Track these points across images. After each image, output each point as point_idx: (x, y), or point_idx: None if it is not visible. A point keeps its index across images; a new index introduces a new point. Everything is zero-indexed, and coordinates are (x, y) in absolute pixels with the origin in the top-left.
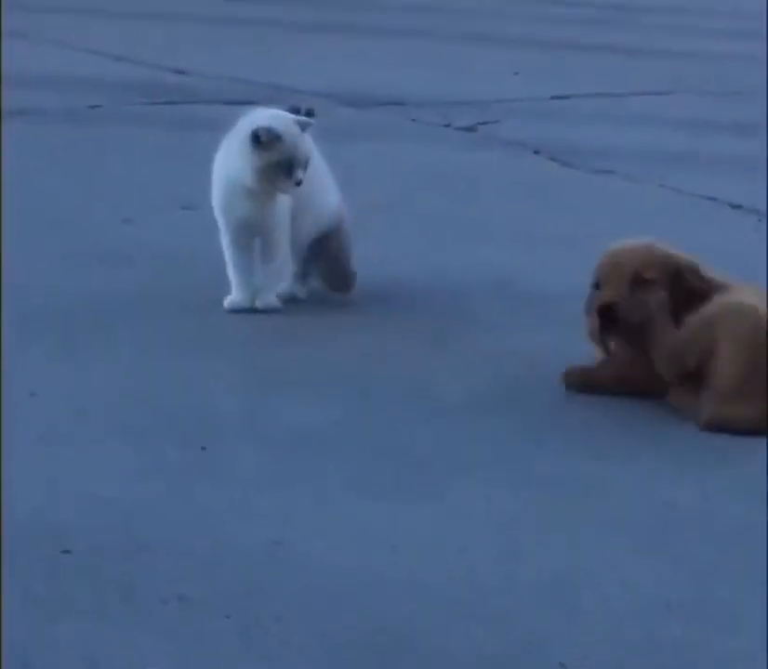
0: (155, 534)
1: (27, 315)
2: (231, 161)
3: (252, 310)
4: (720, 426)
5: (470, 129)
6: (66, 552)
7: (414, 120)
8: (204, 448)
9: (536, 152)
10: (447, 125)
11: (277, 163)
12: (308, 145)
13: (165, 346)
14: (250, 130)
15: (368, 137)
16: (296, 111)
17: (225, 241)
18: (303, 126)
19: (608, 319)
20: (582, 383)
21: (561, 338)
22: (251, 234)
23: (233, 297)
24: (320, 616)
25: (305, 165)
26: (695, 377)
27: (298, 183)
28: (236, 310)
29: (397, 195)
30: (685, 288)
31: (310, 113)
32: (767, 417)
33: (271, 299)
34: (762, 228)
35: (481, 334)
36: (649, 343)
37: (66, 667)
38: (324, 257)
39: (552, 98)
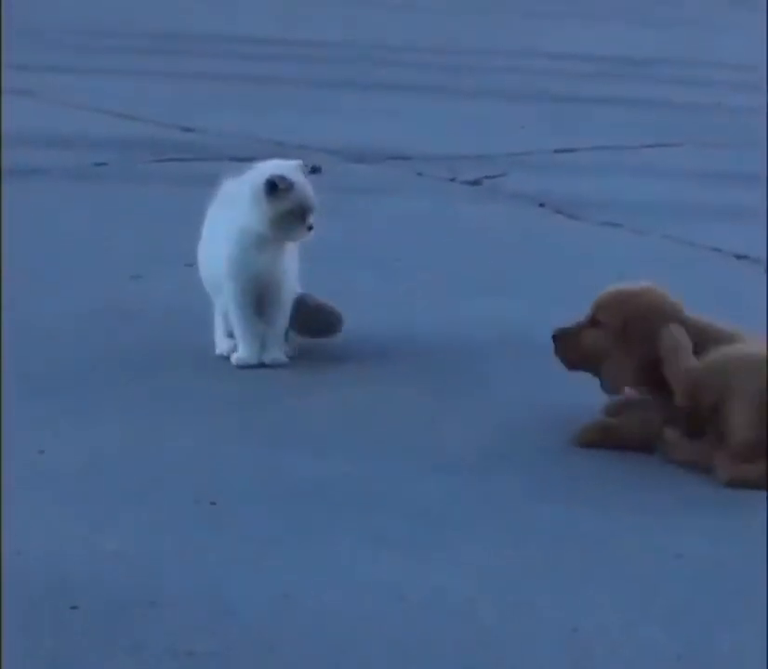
0: (164, 589)
1: (35, 372)
2: (241, 213)
3: (260, 366)
4: (741, 485)
5: (475, 183)
6: (74, 608)
7: (420, 174)
8: (213, 503)
9: (542, 205)
10: (453, 179)
11: (291, 210)
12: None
13: (174, 402)
14: (263, 179)
15: (375, 191)
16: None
17: (232, 296)
18: (313, 171)
19: (557, 347)
20: (600, 439)
21: (568, 392)
22: (260, 288)
23: (241, 354)
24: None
25: (314, 212)
26: (703, 423)
27: (310, 229)
28: (245, 367)
29: (404, 249)
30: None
31: (315, 170)
32: None
33: (278, 354)
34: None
35: (488, 387)
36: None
37: None
38: (306, 304)
39: (557, 151)
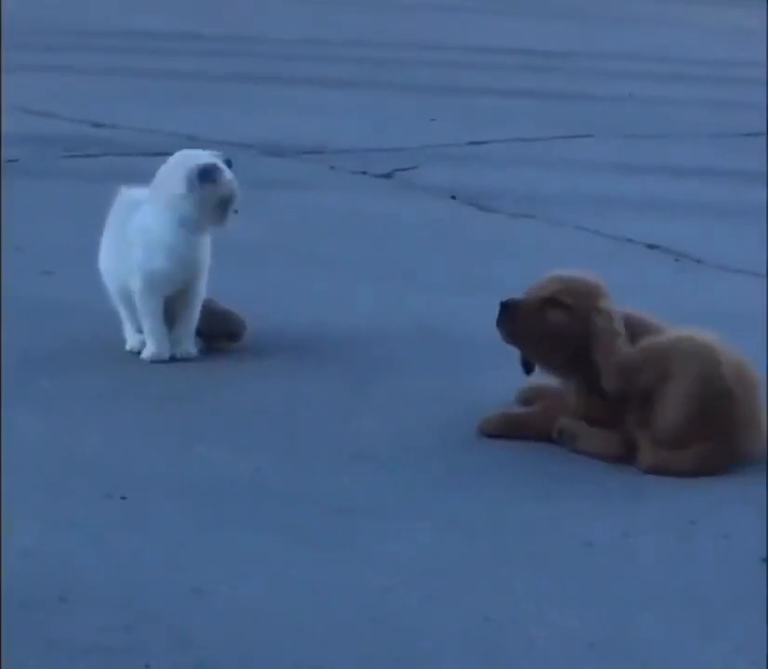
0: (75, 585)
1: None
2: (161, 206)
3: (171, 360)
4: (662, 472)
5: (387, 176)
6: None
7: (333, 167)
8: (124, 498)
9: (454, 197)
10: (365, 173)
11: (221, 197)
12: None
13: (85, 397)
14: (194, 167)
15: (289, 185)
16: None
17: (146, 292)
18: (227, 163)
19: (505, 316)
20: (502, 429)
21: (480, 382)
22: (179, 281)
23: (154, 349)
24: (243, 662)
25: (237, 200)
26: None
27: (235, 211)
28: (156, 361)
29: (318, 243)
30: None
31: (228, 164)
32: (708, 462)
33: (190, 347)
34: (681, 268)
35: (401, 378)
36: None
37: None
38: (211, 309)
39: (469, 143)
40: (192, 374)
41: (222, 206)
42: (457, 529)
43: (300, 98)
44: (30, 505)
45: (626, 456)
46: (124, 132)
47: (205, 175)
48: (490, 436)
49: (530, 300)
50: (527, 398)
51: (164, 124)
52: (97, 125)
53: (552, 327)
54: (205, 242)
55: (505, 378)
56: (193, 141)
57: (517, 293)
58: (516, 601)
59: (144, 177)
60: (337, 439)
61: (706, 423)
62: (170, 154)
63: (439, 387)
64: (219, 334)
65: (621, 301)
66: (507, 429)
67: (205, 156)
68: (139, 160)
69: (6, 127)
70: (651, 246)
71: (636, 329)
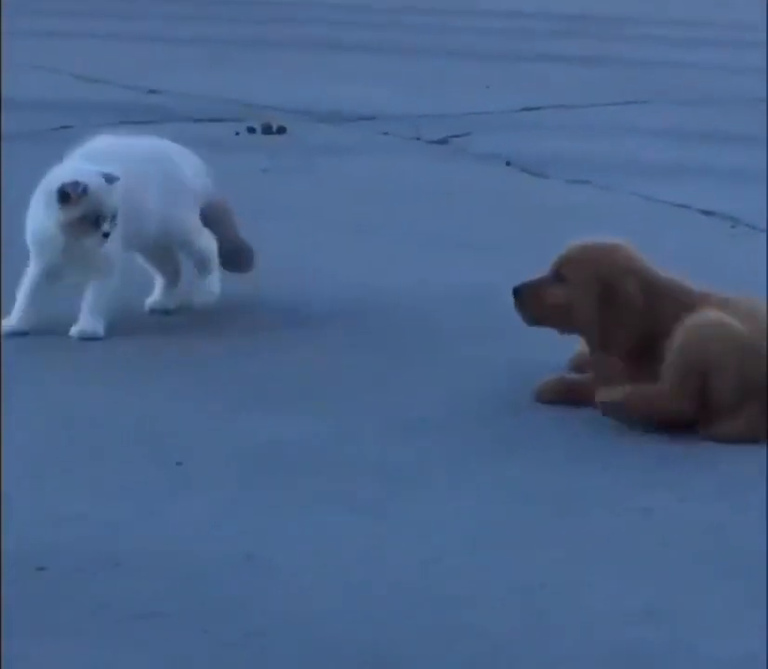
0: (130, 550)
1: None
2: (38, 214)
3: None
4: (716, 438)
5: (441, 142)
6: (41, 569)
7: (385, 134)
8: (179, 463)
9: (508, 164)
10: (418, 139)
11: (82, 217)
12: (115, 198)
13: (135, 364)
14: (56, 185)
15: (341, 151)
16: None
17: (35, 269)
18: (110, 180)
19: (518, 302)
20: (558, 395)
21: (531, 348)
22: (69, 274)
23: (12, 320)
24: (297, 629)
25: (112, 218)
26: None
27: (106, 235)
28: (12, 334)
29: (371, 209)
30: (615, 295)
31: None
32: (761, 427)
33: (89, 326)
34: (737, 233)
35: (452, 345)
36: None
37: None
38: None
39: (523, 109)
40: (241, 342)
41: (85, 226)
42: (510, 496)
43: (354, 65)
44: (82, 471)
45: (679, 422)
46: (178, 99)
47: (63, 197)
48: (546, 402)
49: (534, 281)
50: (580, 364)
51: (217, 90)
52: (151, 92)
53: (558, 305)
54: (81, 248)
55: (556, 344)
56: (247, 107)
57: None
58: (570, 569)
59: (198, 144)
60: (387, 406)
61: (758, 389)
62: (224, 121)
63: (490, 354)
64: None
65: (675, 268)
66: (563, 395)
67: (74, 173)
68: (194, 126)
69: (61, 94)
70: (706, 212)
71: (678, 295)
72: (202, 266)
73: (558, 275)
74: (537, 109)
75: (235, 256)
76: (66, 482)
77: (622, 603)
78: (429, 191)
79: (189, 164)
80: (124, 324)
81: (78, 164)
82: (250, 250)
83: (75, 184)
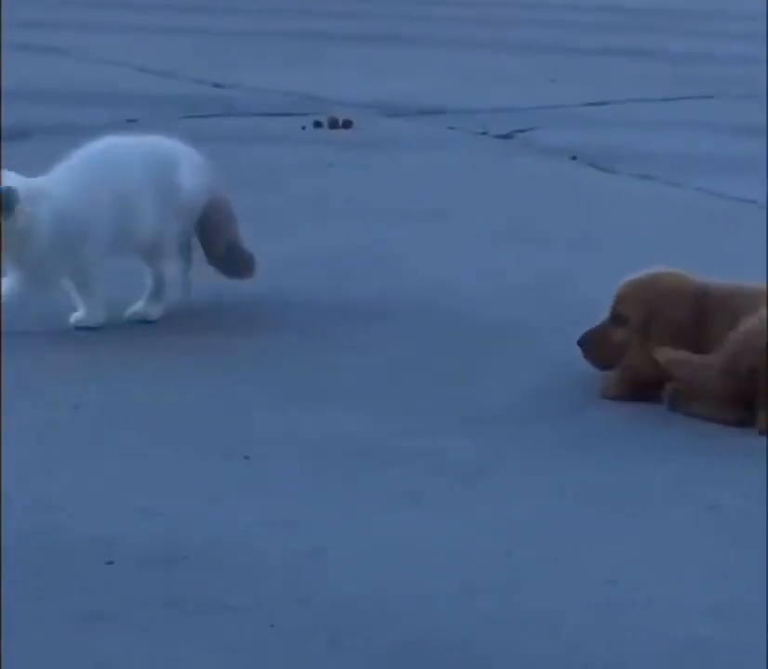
0: (198, 544)
1: (64, 330)
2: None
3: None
4: None
5: (507, 136)
6: (110, 563)
7: (452, 128)
8: (247, 457)
9: (574, 158)
10: (485, 133)
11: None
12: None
13: (206, 359)
14: None
15: (407, 146)
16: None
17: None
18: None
19: (585, 353)
20: (625, 392)
21: None
22: None
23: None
24: (364, 623)
25: None
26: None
27: None
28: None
29: (437, 203)
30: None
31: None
32: None
33: (81, 315)
34: None
35: (519, 340)
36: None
37: None
38: (209, 245)
39: (589, 104)
40: (308, 337)
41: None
42: (577, 491)
43: (420, 59)
44: (151, 466)
45: (743, 420)
46: (245, 93)
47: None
48: (612, 398)
49: (595, 328)
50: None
51: (284, 84)
52: (217, 86)
53: (622, 345)
54: None
55: None
56: (313, 101)
57: (637, 252)
58: (638, 564)
59: (264, 138)
60: (453, 401)
61: None
62: (291, 115)
63: (556, 348)
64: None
65: (740, 265)
66: (629, 392)
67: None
68: (260, 120)
69: (127, 87)
70: None
71: (740, 301)
72: (155, 284)
73: (615, 315)
74: (603, 103)
75: (232, 262)
76: (134, 476)
77: (691, 600)
78: (494, 186)
79: (189, 166)
80: (187, 321)
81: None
82: (250, 256)
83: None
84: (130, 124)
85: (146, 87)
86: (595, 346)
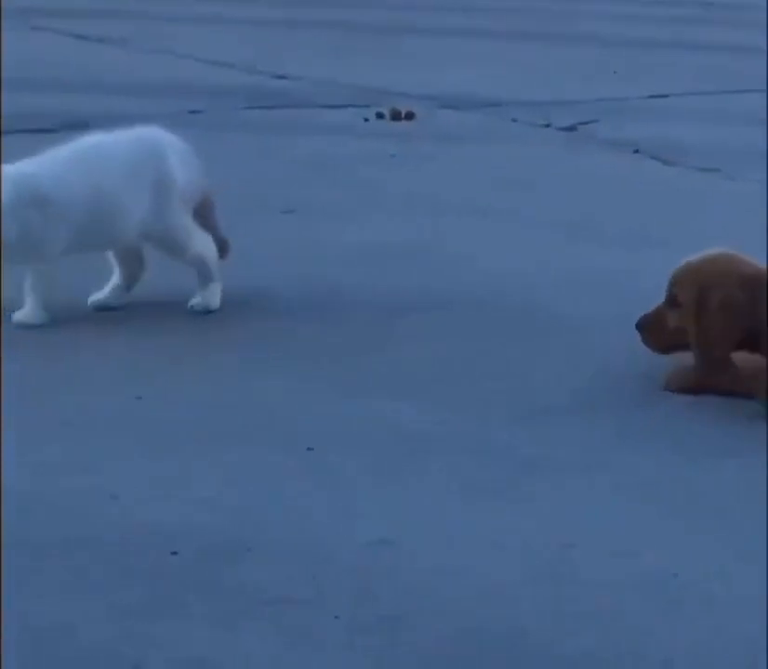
0: (262, 535)
1: (145, 326)
2: None
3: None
4: None
5: (569, 129)
6: (174, 553)
7: (514, 120)
8: (309, 449)
9: (636, 151)
10: (547, 126)
11: None
12: None
13: (268, 349)
14: None
15: (469, 138)
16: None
17: None
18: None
19: (643, 338)
20: (688, 384)
21: None
22: None
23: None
24: (430, 615)
25: None
26: None
27: None
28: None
29: (498, 195)
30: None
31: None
32: None
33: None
34: None
35: (577, 333)
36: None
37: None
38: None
39: (651, 96)
40: (368, 328)
41: None
42: (639, 484)
43: (483, 51)
44: (214, 456)
45: None
46: (303, 84)
47: None
48: (674, 391)
49: (652, 312)
50: None
51: (346, 76)
52: (277, 77)
53: (679, 329)
54: None
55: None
56: (376, 93)
57: (699, 247)
58: (698, 558)
59: (325, 129)
60: (517, 393)
61: None
62: (353, 107)
63: (617, 341)
64: None
65: None
66: (691, 384)
67: None
68: (322, 112)
69: (189, 79)
70: None
71: None
72: (200, 274)
73: (671, 299)
74: (666, 96)
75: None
76: (198, 467)
77: (753, 594)
78: (556, 178)
79: (179, 159)
80: (250, 311)
81: None
82: (225, 241)
83: None
84: (194, 116)
85: (206, 78)
86: (652, 329)
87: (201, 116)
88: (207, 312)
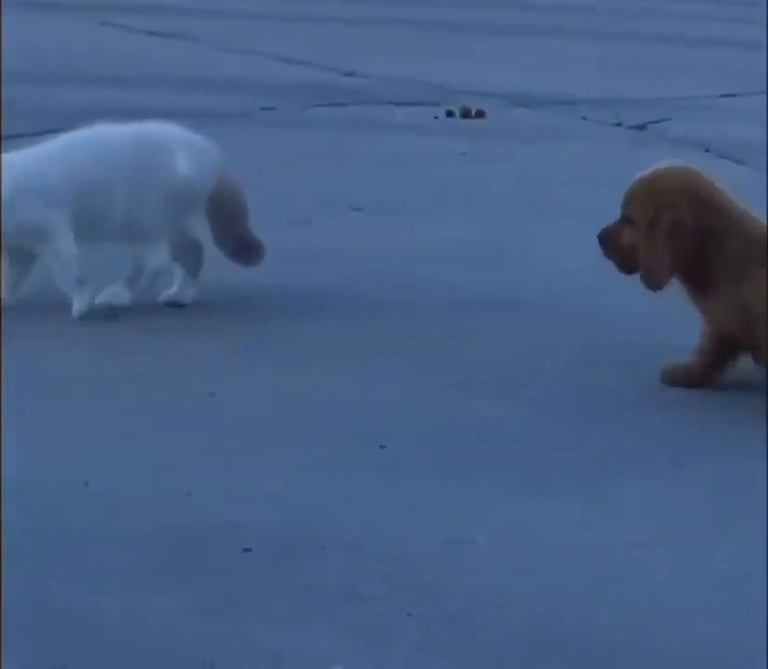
0: (334, 532)
1: (214, 320)
2: None
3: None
4: None
5: (640, 128)
6: (247, 550)
7: (584, 119)
8: (382, 446)
9: (707, 151)
10: (618, 124)
11: None
12: None
13: (340, 346)
14: None
15: (539, 136)
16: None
17: None
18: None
19: (603, 249)
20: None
21: None
22: None
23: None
24: (501, 612)
25: None
26: None
27: None
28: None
29: (567, 194)
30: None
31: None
32: None
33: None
34: None
35: (647, 330)
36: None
37: (249, 664)
38: (217, 231)
39: (723, 95)
40: (440, 324)
41: None
42: (714, 483)
43: (553, 50)
44: (288, 452)
45: None
46: (374, 81)
47: None
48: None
49: (611, 227)
50: None
51: (417, 74)
52: (347, 74)
53: (633, 246)
54: None
55: None
56: (446, 91)
57: None
58: None
59: (395, 127)
60: (588, 390)
61: None
62: (423, 104)
63: (681, 340)
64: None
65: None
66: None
67: None
68: (392, 109)
69: (262, 76)
70: None
71: (743, 223)
72: (133, 274)
73: (625, 216)
74: (737, 95)
75: (241, 250)
76: (269, 464)
77: None
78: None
79: (188, 155)
80: (321, 308)
81: None
82: (259, 243)
83: None
84: (267, 112)
85: (278, 75)
86: (610, 243)
87: (272, 113)
88: (178, 306)
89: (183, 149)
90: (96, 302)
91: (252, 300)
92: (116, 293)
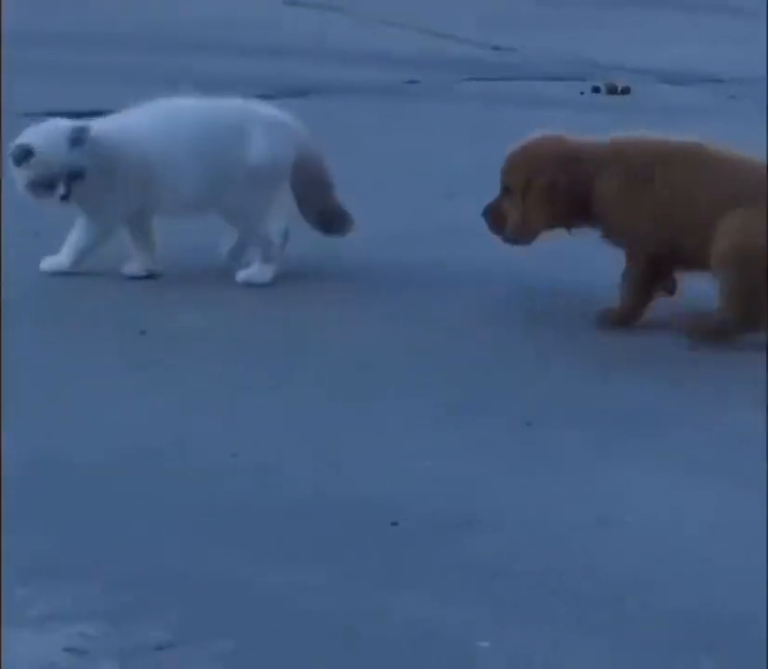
0: (483, 508)
1: (351, 287)
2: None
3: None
4: None
5: None
6: (394, 524)
7: (733, 97)
8: (528, 424)
9: None
10: None
11: (34, 179)
12: (79, 155)
13: (491, 320)
14: (10, 149)
15: (686, 114)
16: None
17: None
18: (76, 138)
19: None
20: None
21: None
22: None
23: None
24: (649, 594)
25: (70, 179)
26: None
27: (64, 197)
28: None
29: None
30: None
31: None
32: None
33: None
34: None
35: None
36: None
37: (397, 638)
38: (302, 203)
39: None
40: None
41: (39, 189)
42: None
43: (703, 26)
44: (434, 429)
45: None
46: (524, 56)
47: (15, 159)
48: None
49: (494, 201)
50: None
51: (563, 49)
52: (496, 49)
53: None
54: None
55: None
56: (592, 66)
57: None
58: None
59: (541, 102)
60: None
61: None
62: (569, 80)
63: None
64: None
65: None
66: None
67: (30, 134)
68: (539, 84)
69: (408, 49)
70: None
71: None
72: (256, 250)
73: (503, 186)
74: None
75: (328, 221)
76: (421, 440)
77: None
78: None
79: (263, 132)
80: (478, 278)
81: (56, 121)
82: (345, 213)
83: (19, 147)
84: (412, 86)
85: (425, 49)
86: (493, 216)
87: (417, 86)
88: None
89: (257, 126)
90: (238, 281)
91: (398, 275)
92: (258, 272)
